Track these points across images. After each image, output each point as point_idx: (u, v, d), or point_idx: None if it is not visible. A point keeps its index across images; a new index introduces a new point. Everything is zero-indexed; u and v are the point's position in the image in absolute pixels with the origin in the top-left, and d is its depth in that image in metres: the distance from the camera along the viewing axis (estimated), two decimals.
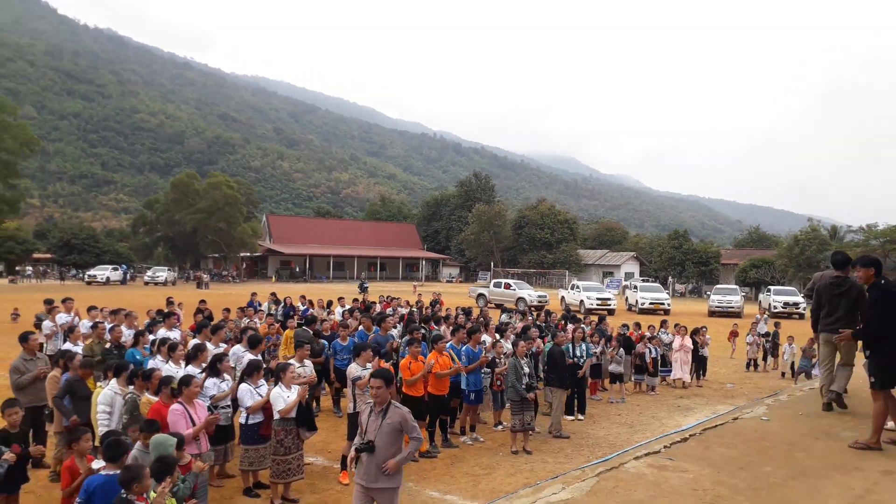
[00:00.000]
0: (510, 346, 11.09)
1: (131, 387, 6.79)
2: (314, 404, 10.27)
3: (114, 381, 6.91)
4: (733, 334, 18.33)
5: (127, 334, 10.24)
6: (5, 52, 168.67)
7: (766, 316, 22.13)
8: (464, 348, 9.85)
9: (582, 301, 33.46)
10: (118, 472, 4.68)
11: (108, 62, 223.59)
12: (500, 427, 10.36)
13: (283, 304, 18.70)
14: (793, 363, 15.94)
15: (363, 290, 35.49)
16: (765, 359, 17.31)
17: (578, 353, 11.28)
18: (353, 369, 8.04)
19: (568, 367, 10.42)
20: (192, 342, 9.10)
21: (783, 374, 16.11)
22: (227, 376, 7.71)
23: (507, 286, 36.81)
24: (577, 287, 36.50)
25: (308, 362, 8.92)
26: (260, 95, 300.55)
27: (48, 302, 13.74)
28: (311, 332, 11.68)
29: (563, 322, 15.16)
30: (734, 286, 43.24)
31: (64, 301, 12.89)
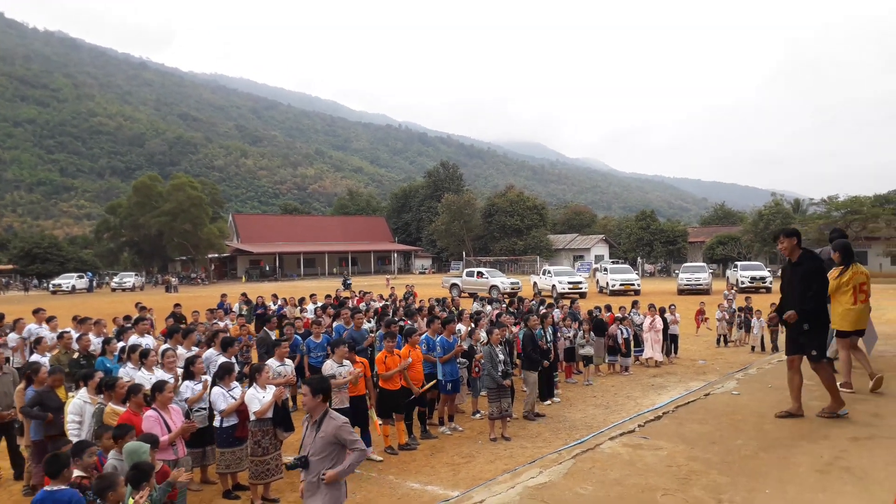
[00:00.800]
0: (484, 334, 11.16)
1: (101, 396, 6.66)
2: (290, 403, 10.21)
3: (83, 390, 6.79)
4: (700, 312, 18.56)
5: (95, 343, 10.06)
6: None
7: (734, 291, 22.54)
8: (439, 339, 9.87)
9: (554, 286, 33.73)
10: (60, 487, 4.59)
11: (62, 65, 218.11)
12: (478, 415, 10.42)
13: (254, 305, 18.53)
14: (762, 337, 16.28)
15: (347, 286, 35.10)
16: (740, 331, 17.58)
17: (548, 338, 11.39)
18: (329, 366, 8.03)
19: (542, 351, 10.53)
20: (162, 348, 8.98)
21: (753, 348, 16.44)
22: (202, 378, 7.64)
23: (480, 275, 36.93)
24: (549, 272, 36.76)
25: (288, 361, 8.89)
26: (220, 93, 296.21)
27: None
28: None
29: (544, 307, 15.25)
30: (702, 264, 43.94)
31: (36, 312, 12.56)
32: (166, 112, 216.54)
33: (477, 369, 10.07)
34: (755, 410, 7.15)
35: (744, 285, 34.62)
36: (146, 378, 7.53)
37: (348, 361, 8.26)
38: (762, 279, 35.39)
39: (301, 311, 17.03)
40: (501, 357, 9.28)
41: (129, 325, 11.53)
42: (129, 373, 7.81)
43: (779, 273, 36.58)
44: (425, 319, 12.01)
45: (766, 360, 11.90)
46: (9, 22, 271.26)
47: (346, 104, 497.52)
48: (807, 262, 6.75)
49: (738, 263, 39.82)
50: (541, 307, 15.06)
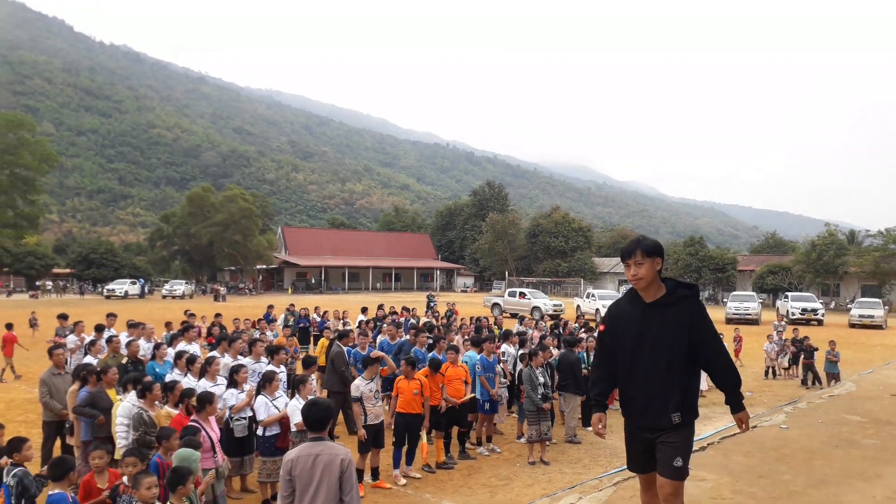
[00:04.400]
0: (513, 351, 11.13)
1: (142, 400, 6.83)
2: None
3: (132, 393, 6.99)
4: (736, 339, 17.95)
5: (145, 348, 10.35)
6: (23, 69, 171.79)
7: (784, 322, 21.91)
8: (478, 357, 9.85)
9: (598, 310, 33.28)
10: (62, 492, 4.72)
11: (124, 78, 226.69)
12: (521, 439, 10.29)
13: (297, 316, 18.79)
14: (814, 370, 15.77)
15: (431, 304, 33.02)
16: (794, 363, 16.99)
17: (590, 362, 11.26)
18: (358, 384, 8.01)
19: (583, 376, 10.40)
20: (207, 355, 9.19)
21: (803, 381, 15.93)
22: (245, 387, 7.77)
23: (522, 295, 36.72)
24: (593, 295, 36.33)
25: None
26: (274, 108, 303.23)
27: (62, 316, 13.89)
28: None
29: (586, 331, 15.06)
30: (751, 293, 42.82)
31: (76, 325, 12.92)
32: (222, 125, 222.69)
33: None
34: (804, 445, 6.92)
35: (794, 317, 33.60)
36: (192, 384, 7.73)
37: (378, 378, 8.25)
38: (814, 311, 34.28)
39: (344, 324, 17.21)
40: (542, 380, 9.20)
41: (179, 333, 11.81)
42: (175, 378, 8.01)
43: (798, 310, 34.24)
44: (465, 338, 11.99)
45: (818, 394, 11.51)
46: (77, 35, 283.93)
47: (395, 122, 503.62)
48: (681, 301, 3.95)
49: (789, 294, 38.70)
50: (582, 331, 14.87)
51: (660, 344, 3.87)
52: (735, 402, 4.03)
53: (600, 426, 4.22)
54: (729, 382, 4.06)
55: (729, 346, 18.05)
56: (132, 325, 12.10)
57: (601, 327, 4.24)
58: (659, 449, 3.92)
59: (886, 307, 36.73)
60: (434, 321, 17.38)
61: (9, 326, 16.05)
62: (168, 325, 13.84)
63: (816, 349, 15.96)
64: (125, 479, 5.13)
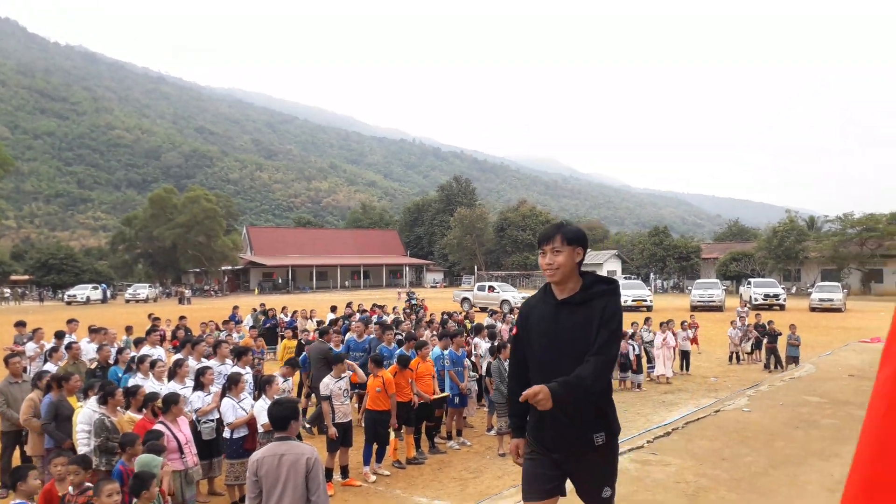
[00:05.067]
0: (485, 345, 11.19)
1: (103, 406, 6.69)
2: (301, 416, 10.23)
3: (92, 399, 6.84)
4: (693, 327, 17.49)
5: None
6: None
7: (747, 308, 22.37)
8: (447, 352, 9.87)
9: None
10: (22, 501, 4.65)
11: (81, 79, 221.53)
12: (492, 431, 10.36)
13: (262, 316, 18.62)
14: (776, 354, 16.11)
15: (413, 302, 32.59)
16: (757, 348, 17.28)
17: None
18: (327, 382, 7.97)
19: None
20: (173, 358, 9.06)
21: (766, 365, 16.28)
22: (212, 389, 7.68)
23: (491, 289, 36.89)
24: None
25: (345, 376, 8.80)
26: (236, 107, 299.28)
27: (20, 324, 13.53)
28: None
29: None
30: (715, 280, 43.61)
31: (35, 332, 12.57)
32: (183, 125, 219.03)
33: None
34: (766, 427, 7.09)
35: (757, 302, 34.32)
36: (155, 388, 7.61)
37: (347, 376, 8.23)
38: (776, 296, 35.06)
39: (318, 323, 17.10)
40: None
41: (144, 336, 11.60)
42: (138, 382, 7.87)
43: (760, 295, 34.43)
44: (433, 333, 11.99)
45: (779, 377, 11.78)
46: (31, 36, 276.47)
47: (361, 119, 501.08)
48: (596, 297, 3.24)
49: (752, 280, 39.50)
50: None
51: (572, 349, 3.13)
52: (554, 387, 2.96)
53: (518, 457, 3.48)
54: (572, 381, 3.02)
55: (704, 335, 18.27)
56: (94, 331, 11.86)
57: (514, 330, 3.50)
58: (579, 478, 3.28)
59: (845, 290, 37.72)
60: (415, 317, 17.36)
61: None
62: (129, 329, 13.57)
63: (779, 334, 16.30)
64: (70, 488, 5.02)
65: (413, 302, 31.83)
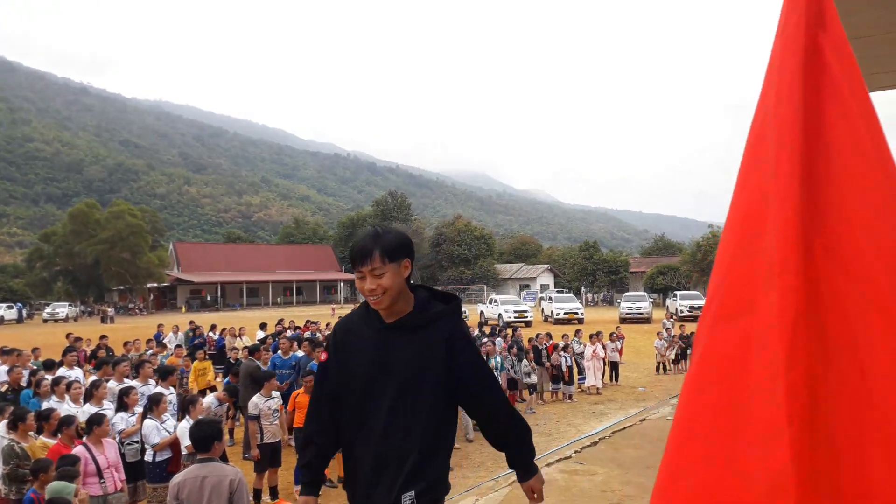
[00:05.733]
0: None
1: (13, 432, 6.35)
2: (228, 437, 9.95)
3: (2, 424, 6.48)
4: (619, 338, 17.46)
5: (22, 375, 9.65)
6: None
7: (673, 320, 23.16)
8: None
9: (500, 315, 33.96)
10: None
11: None
12: None
13: (192, 334, 18.09)
14: None
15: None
16: (682, 359, 17.84)
17: (494, 366, 11.50)
18: (256, 402, 7.81)
19: None
20: (90, 379, 8.69)
21: None
22: (136, 409, 7.41)
23: None
24: (496, 301, 37.06)
25: (276, 394, 8.59)
26: (164, 120, 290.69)
27: None
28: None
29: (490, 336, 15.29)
30: (642, 293, 45.00)
31: None
32: (107, 138, 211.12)
33: None
34: None
35: (682, 314, 35.55)
36: (72, 411, 7.28)
37: (277, 394, 8.10)
38: (700, 308, 36.37)
39: (238, 341, 16.70)
40: None
41: (43, 359, 11.08)
42: (54, 405, 7.51)
43: (686, 307, 35.93)
44: None
45: None
46: None
47: (294, 133, 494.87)
48: (435, 319, 2.60)
49: (678, 293, 40.91)
50: (485, 338, 15.14)
51: (405, 383, 2.46)
52: (523, 463, 2.66)
53: None
54: (514, 432, 2.69)
55: (638, 347, 18.81)
56: (5, 353, 11.25)
57: (322, 356, 2.81)
58: None
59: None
60: None
61: None
62: (35, 351, 12.87)
63: None
64: None
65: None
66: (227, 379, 10.74)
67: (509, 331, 16.67)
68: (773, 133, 1.18)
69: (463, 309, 3.06)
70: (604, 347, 15.37)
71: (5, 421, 6.50)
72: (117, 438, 6.99)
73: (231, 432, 10.51)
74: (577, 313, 35.76)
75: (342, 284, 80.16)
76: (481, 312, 37.62)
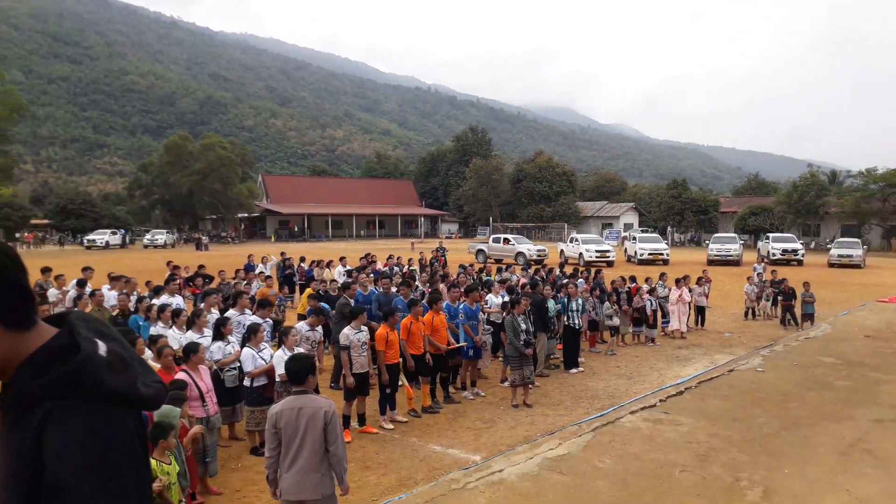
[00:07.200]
0: (498, 301, 11.28)
1: None
2: (318, 364, 10.39)
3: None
4: (707, 282, 16.72)
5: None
6: None
7: (764, 263, 22.22)
8: (461, 306, 9.93)
9: (581, 254, 33.54)
10: None
11: (94, 24, 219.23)
12: (506, 383, 10.49)
13: (282, 266, 18.77)
14: (792, 312, 16.03)
15: (443, 255, 30.61)
16: (774, 305, 17.16)
17: (574, 308, 11.45)
18: (346, 333, 8.05)
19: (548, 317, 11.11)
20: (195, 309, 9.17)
21: (782, 321, 16.25)
22: (231, 339, 7.81)
23: (506, 241, 36.83)
24: (576, 240, 36.51)
25: (319, 328, 9.03)
26: (250, 53, 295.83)
27: (45, 270, 13.74)
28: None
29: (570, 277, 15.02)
30: (733, 234, 43.27)
31: (57, 278, 12.85)
32: (197, 71, 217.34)
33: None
34: (779, 388, 7.11)
35: (775, 257, 34.06)
36: (176, 337, 7.76)
37: (366, 328, 8.32)
38: (794, 251, 34.76)
39: (326, 272, 17.24)
40: (524, 327, 9.33)
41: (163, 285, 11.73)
42: (160, 331, 8.00)
43: (778, 250, 34.00)
44: (447, 286, 11.98)
45: (793, 336, 11.77)
46: None
47: (375, 66, 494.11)
48: (31, 408, 1.29)
49: (770, 235, 39.12)
50: (565, 278, 14.96)
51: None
52: None
53: None
54: None
55: (726, 290, 18.17)
56: (114, 279, 11.94)
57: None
58: None
59: (865, 247, 37.33)
60: (430, 270, 17.41)
61: None
62: (148, 283, 13.68)
63: (793, 293, 16.14)
64: None
65: (441, 254, 29.82)
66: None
67: (592, 270, 16.40)
68: None
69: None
70: (689, 291, 14.95)
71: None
72: (213, 367, 7.42)
73: (320, 360, 10.98)
74: (662, 254, 34.85)
75: (422, 219, 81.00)
76: (561, 251, 37.24)
